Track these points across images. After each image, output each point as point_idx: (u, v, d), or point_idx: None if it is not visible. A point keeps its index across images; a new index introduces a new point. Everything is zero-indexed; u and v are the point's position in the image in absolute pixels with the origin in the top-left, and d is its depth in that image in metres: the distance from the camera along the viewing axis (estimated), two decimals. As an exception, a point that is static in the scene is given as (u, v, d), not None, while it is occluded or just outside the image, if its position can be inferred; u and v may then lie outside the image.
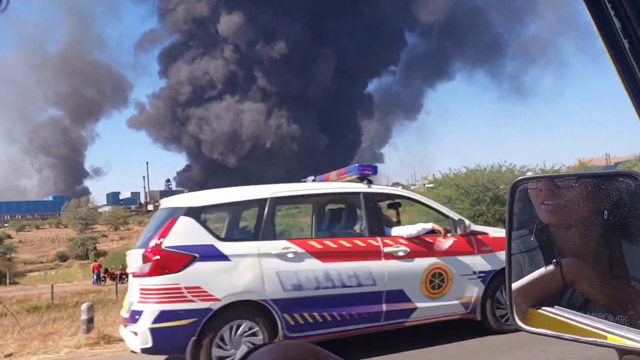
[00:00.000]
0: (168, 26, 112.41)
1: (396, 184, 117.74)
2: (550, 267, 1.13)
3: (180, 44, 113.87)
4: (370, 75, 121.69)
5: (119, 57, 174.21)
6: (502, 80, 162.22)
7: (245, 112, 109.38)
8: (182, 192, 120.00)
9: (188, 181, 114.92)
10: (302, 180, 7.73)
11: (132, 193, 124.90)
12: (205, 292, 5.13)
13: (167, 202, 6.31)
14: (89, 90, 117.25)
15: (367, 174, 6.53)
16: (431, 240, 6.27)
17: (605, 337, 1.06)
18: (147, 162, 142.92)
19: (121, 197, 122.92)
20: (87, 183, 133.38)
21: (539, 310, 1.15)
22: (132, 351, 5.44)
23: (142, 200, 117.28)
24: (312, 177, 7.57)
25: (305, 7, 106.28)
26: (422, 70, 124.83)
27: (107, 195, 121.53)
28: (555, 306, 1.12)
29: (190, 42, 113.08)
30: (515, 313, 1.18)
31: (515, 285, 1.19)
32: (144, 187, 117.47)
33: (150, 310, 5.09)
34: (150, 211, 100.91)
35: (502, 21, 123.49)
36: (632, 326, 0.98)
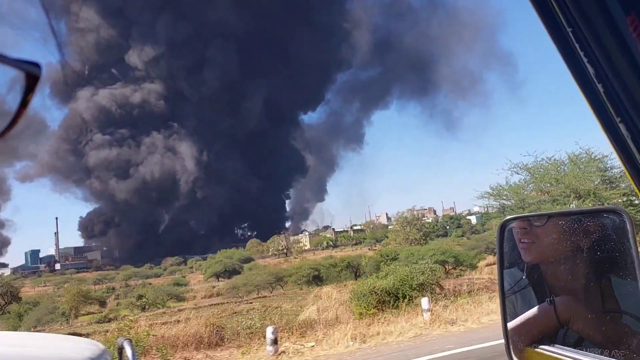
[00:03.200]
0: (72, 58, 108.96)
1: (326, 227, 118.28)
2: (545, 306, 1.23)
3: (82, 77, 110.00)
4: (304, 109, 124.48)
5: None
6: (436, 115, 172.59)
7: (172, 153, 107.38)
8: (93, 248, 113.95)
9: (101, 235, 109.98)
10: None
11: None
12: None
13: None
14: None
15: None
16: None
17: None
18: (56, 218, 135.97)
19: (42, 254, 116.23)
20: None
21: (536, 349, 1.25)
22: None
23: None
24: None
25: (232, 45, 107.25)
26: (359, 98, 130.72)
27: (26, 253, 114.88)
28: (552, 344, 1.22)
29: (98, 76, 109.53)
30: (512, 352, 1.28)
31: (511, 324, 1.29)
32: (55, 245, 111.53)
33: None
34: (56, 271, 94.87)
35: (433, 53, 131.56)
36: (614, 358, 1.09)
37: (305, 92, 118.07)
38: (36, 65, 0.52)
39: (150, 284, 52.69)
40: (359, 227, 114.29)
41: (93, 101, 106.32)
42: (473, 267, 39.38)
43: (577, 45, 0.86)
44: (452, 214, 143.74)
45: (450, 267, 40.04)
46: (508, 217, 1.39)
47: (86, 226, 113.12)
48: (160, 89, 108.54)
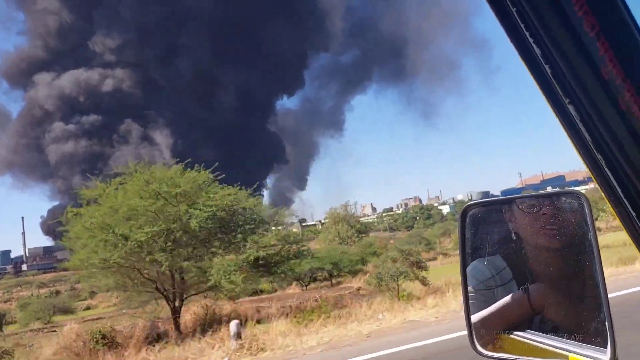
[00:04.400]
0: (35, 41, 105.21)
1: (302, 220, 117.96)
2: (518, 294, 1.25)
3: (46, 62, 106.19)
4: (281, 94, 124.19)
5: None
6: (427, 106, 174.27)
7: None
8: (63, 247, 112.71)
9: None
10: None
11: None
12: None
13: None
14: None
15: None
16: None
17: (567, 357, 1.20)
18: (22, 217, 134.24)
19: (13, 255, 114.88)
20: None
21: (510, 335, 1.27)
22: None
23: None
24: None
25: (205, 30, 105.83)
26: (338, 82, 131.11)
27: None
28: (525, 330, 1.25)
29: (60, 61, 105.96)
30: (476, 342, 1.31)
31: (478, 315, 1.32)
32: (23, 245, 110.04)
33: None
34: (22, 272, 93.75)
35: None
36: (588, 343, 1.13)
37: (281, 78, 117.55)
38: None
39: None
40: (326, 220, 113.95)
41: (54, 87, 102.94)
42: (355, 273, 38.84)
43: (522, 26, 0.87)
44: (436, 203, 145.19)
45: (323, 276, 39.91)
46: (469, 203, 1.41)
47: (49, 225, 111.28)
48: (130, 76, 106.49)
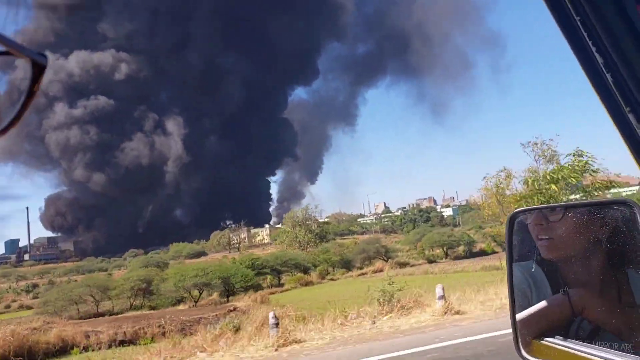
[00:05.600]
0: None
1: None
2: (558, 297, 1.28)
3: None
4: (294, 84, 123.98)
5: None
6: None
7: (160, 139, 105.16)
8: (67, 238, 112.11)
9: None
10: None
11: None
12: None
13: None
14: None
15: None
16: None
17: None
18: (27, 207, 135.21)
19: (22, 243, 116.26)
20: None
21: (545, 342, 1.30)
22: None
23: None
24: None
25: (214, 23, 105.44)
26: (352, 74, 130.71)
27: (6, 242, 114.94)
28: (562, 337, 1.27)
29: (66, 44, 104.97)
30: (520, 344, 1.33)
31: (520, 315, 1.35)
32: (27, 235, 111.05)
33: None
34: (24, 261, 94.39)
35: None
36: (637, 354, 1.15)
37: (294, 68, 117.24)
38: (43, 55, 0.54)
39: (76, 280, 51.26)
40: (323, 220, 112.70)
41: (59, 68, 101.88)
42: (249, 288, 37.85)
43: (585, 34, 0.89)
44: (451, 203, 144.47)
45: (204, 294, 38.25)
46: (517, 210, 1.44)
47: (51, 218, 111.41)
48: (140, 64, 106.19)
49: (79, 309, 37.84)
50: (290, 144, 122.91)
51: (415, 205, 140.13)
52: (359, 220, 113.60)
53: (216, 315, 24.44)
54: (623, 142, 1.00)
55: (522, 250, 1.42)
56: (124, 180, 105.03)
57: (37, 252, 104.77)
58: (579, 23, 0.88)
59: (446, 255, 55.61)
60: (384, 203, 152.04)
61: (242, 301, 33.92)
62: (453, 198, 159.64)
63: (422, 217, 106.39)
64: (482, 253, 52.48)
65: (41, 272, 72.91)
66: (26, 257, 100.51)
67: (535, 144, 20.21)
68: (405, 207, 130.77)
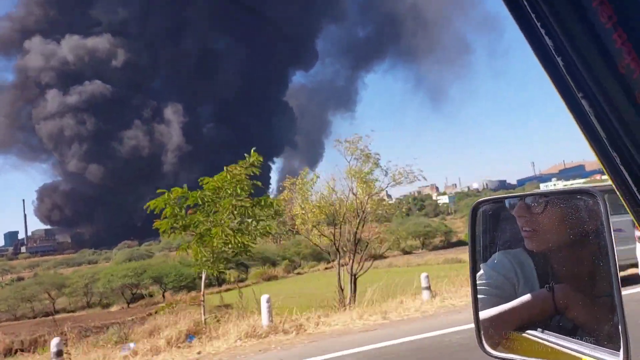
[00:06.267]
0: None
1: None
2: (543, 292, 1.26)
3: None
4: (293, 68, 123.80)
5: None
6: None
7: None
8: (64, 230, 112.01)
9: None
10: None
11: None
12: None
13: None
14: None
15: None
16: None
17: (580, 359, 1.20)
18: (23, 200, 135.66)
19: (22, 236, 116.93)
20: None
21: (520, 335, 1.28)
22: None
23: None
24: None
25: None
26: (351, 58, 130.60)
27: (5, 235, 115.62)
28: (541, 330, 1.25)
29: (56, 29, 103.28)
30: (484, 341, 1.31)
31: (489, 312, 1.32)
32: (24, 227, 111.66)
33: None
34: (20, 253, 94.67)
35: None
36: (602, 345, 1.14)
37: (292, 52, 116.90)
38: None
39: (61, 273, 50.97)
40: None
41: (50, 54, 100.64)
42: (183, 288, 36.86)
43: (533, 16, 0.86)
44: (453, 191, 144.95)
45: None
46: (479, 200, 1.42)
47: (47, 211, 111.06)
48: (135, 50, 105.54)
49: (33, 307, 37.61)
50: (289, 130, 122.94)
51: (417, 193, 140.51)
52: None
53: (132, 319, 23.23)
54: (579, 130, 0.98)
55: (485, 241, 1.40)
56: (122, 170, 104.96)
57: (34, 244, 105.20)
58: (526, 3, 0.86)
59: (423, 245, 54.80)
60: (386, 191, 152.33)
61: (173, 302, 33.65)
62: (455, 185, 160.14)
63: (416, 205, 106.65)
64: (461, 243, 51.04)
65: (31, 265, 73.16)
66: (23, 249, 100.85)
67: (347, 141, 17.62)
68: (406, 195, 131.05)
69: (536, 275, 1.28)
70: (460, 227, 64.27)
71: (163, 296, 38.09)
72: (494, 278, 1.37)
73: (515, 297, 1.32)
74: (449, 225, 66.32)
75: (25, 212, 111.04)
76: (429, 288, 13.83)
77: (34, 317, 35.80)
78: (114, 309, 36.38)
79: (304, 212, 17.39)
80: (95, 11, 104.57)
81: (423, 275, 14.07)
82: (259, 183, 15.03)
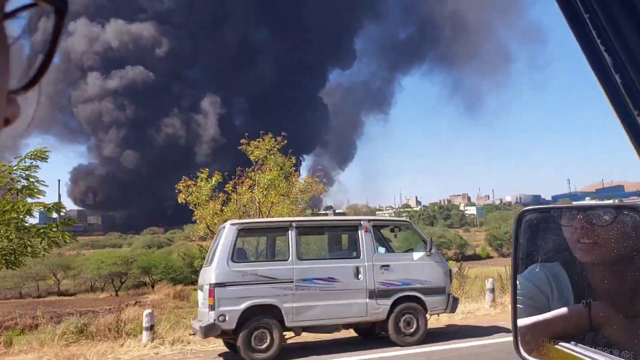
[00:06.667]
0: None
1: (328, 207, 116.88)
2: (579, 307, 1.26)
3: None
4: (330, 65, 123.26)
5: None
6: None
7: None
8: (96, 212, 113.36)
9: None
10: None
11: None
12: None
13: None
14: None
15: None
16: None
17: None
18: (58, 180, 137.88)
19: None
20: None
21: (557, 346, 1.29)
22: None
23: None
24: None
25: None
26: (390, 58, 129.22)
27: (39, 214, 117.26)
28: (577, 344, 1.26)
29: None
30: (520, 348, 1.34)
31: (527, 320, 1.34)
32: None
33: None
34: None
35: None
36: None
37: (330, 50, 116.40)
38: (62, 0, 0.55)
39: (84, 254, 50.64)
40: (340, 211, 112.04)
41: (93, 36, 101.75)
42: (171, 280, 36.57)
43: (594, 32, 0.87)
44: (487, 202, 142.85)
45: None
46: (525, 209, 1.44)
47: (80, 194, 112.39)
48: (177, 39, 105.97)
49: (38, 286, 38.39)
50: (321, 128, 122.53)
51: (446, 202, 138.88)
52: (377, 213, 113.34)
53: (110, 309, 22.80)
54: (633, 147, 0.99)
55: (528, 250, 1.42)
56: (157, 158, 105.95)
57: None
58: (587, 20, 0.87)
59: None
60: (416, 197, 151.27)
61: (159, 294, 33.38)
62: (488, 196, 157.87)
63: (442, 214, 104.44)
64: (476, 257, 49.95)
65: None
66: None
67: None
68: (436, 202, 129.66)
69: (572, 289, 1.29)
70: (481, 240, 62.73)
71: (152, 287, 38.33)
72: (528, 289, 1.39)
73: (549, 309, 1.33)
74: (472, 237, 64.89)
75: (60, 193, 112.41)
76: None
77: (30, 297, 36.30)
78: (102, 295, 36.55)
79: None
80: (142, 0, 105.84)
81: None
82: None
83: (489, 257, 45.16)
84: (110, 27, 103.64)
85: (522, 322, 1.39)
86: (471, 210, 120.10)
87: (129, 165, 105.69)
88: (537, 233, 1.42)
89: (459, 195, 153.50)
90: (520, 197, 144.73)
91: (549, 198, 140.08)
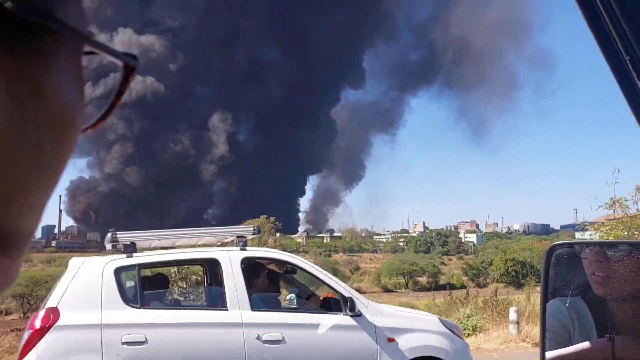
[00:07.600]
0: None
1: (330, 231, 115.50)
2: (602, 342, 1.28)
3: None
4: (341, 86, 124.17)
5: None
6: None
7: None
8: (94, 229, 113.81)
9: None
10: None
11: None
12: None
13: None
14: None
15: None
16: None
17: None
18: (60, 196, 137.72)
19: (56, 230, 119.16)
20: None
21: None
22: None
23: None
24: None
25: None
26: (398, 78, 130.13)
27: (43, 228, 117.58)
28: None
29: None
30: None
31: (559, 351, 1.36)
32: (58, 222, 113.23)
33: None
34: (48, 247, 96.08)
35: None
36: None
37: (339, 70, 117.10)
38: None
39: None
40: (338, 234, 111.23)
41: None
42: None
43: (619, 43, 0.88)
44: (495, 229, 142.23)
45: None
46: (556, 243, 1.47)
47: (80, 212, 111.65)
48: (187, 53, 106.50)
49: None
50: (329, 147, 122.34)
51: (453, 228, 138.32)
52: (375, 237, 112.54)
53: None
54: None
55: (557, 284, 1.44)
56: (164, 174, 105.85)
57: (65, 240, 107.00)
58: (613, 32, 0.87)
59: (406, 285, 53.12)
60: (423, 223, 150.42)
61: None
62: (496, 224, 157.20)
63: (439, 240, 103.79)
64: (450, 286, 48.28)
65: (49, 260, 73.47)
66: (53, 243, 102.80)
67: None
68: (440, 229, 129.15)
69: (594, 324, 1.31)
70: (459, 269, 61.32)
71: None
72: (550, 323, 1.41)
73: (571, 343, 1.35)
74: (456, 265, 64.18)
75: (61, 209, 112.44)
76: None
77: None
78: (12, 317, 33.62)
79: None
80: (154, 13, 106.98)
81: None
82: None
83: (462, 287, 44.14)
84: (118, 37, 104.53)
85: (550, 354, 1.41)
86: (471, 238, 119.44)
87: (133, 182, 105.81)
88: (563, 267, 1.45)
89: (467, 222, 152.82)
90: (528, 226, 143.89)
91: (557, 227, 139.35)
